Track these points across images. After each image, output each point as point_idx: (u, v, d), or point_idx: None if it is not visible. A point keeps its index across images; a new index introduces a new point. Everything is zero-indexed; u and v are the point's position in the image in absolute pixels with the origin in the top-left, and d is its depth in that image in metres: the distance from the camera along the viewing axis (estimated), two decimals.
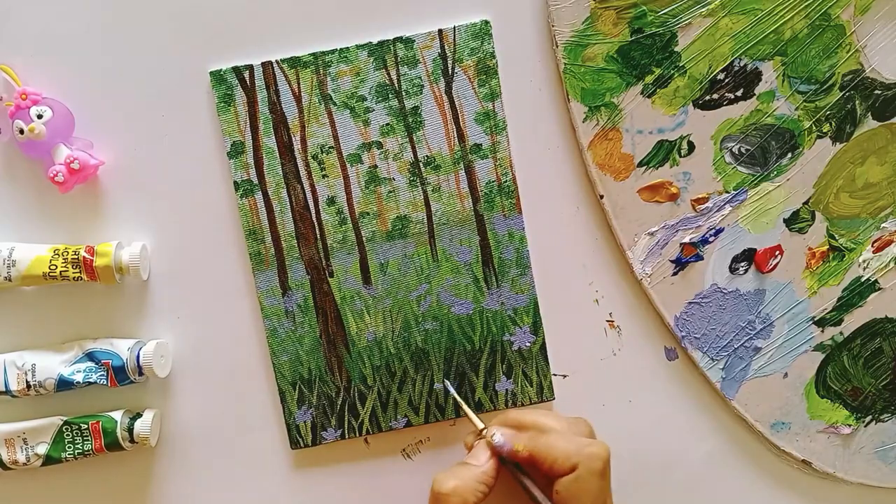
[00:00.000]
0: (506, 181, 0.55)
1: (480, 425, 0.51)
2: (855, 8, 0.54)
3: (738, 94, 0.55)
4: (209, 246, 0.56)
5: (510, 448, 0.48)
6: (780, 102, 0.55)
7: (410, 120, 0.55)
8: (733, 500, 0.59)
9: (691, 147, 0.55)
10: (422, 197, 0.55)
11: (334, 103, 0.54)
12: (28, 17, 0.53)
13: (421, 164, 0.55)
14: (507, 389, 0.57)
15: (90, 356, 0.54)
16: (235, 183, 0.55)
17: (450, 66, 0.54)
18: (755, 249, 0.56)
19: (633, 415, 0.58)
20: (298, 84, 0.54)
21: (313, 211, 0.55)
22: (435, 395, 0.57)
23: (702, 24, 0.54)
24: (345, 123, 0.55)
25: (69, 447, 0.54)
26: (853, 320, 0.58)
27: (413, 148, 0.55)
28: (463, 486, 0.47)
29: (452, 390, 0.55)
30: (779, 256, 0.57)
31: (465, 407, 0.53)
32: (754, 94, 0.55)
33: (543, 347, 0.57)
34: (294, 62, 0.54)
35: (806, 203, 0.56)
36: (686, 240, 0.56)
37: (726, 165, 0.55)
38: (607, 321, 0.57)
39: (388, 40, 0.54)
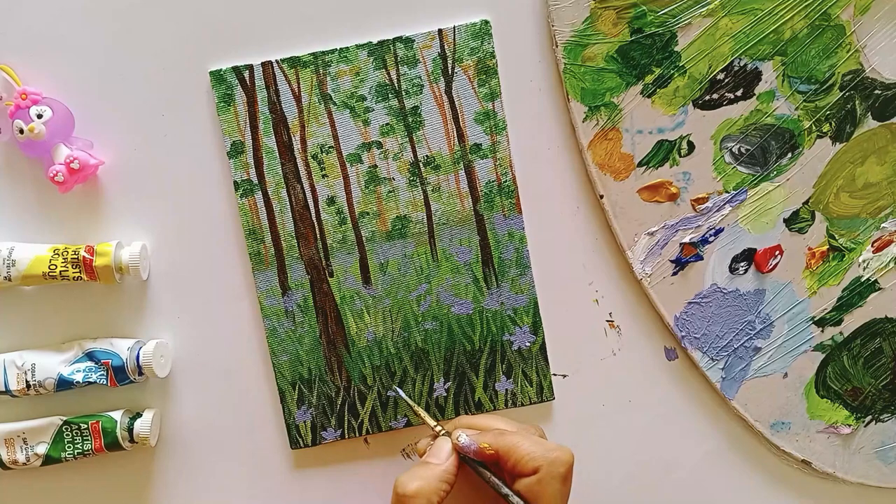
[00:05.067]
0: (506, 181, 0.55)
1: (437, 426, 0.51)
2: (855, 8, 0.54)
3: (738, 94, 0.55)
4: (209, 246, 0.56)
5: (476, 448, 0.48)
6: (780, 102, 0.55)
7: (410, 120, 0.55)
8: (733, 500, 0.59)
9: (691, 147, 0.55)
10: (422, 197, 0.55)
11: (334, 103, 0.54)
12: (28, 17, 0.53)
13: (421, 164, 0.55)
14: (506, 389, 0.57)
15: (90, 356, 0.54)
16: (235, 183, 0.55)
17: (450, 65, 0.54)
18: (755, 249, 0.56)
19: (633, 415, 0.58)
20: (298, 84, 0.54)
21: (313, 211, 0.55)
22: (435, 396, 0.57)
23: (702, 24, 0.54)
24: (345, 123, 0.55)
25: (69, 447, 0.54)
26: (853, 320, 0.58)
27: (413, 148, 0.55)
28: (426, 487, 0.46)
29: (403, 395, 0.55)
30: (779, 256, 0.57)
31: (419, 410, 0.53)
32: (754, 94, 0.55)
33: (543, 347, 0.57)
34: (294, 62, 0.54)
35: (806, 203, 0.56)
36: (686, 240, 0.56)
37: (726, 165, 0.55)
38: (607, 321, 0.57)
39: (387, 40, 0.54)
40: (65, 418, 0.54)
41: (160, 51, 0.54)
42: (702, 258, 0.56)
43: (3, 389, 0.53)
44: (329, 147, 0.55)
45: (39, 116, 0.52)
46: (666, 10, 0.53)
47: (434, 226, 0.56)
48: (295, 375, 0.56)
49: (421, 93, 0.54)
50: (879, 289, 0.57)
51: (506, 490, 0.47)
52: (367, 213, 0.55)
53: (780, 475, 0.59)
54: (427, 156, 0.55)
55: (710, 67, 0.54)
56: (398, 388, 0.56)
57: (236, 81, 0.54)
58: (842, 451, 0.59)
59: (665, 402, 0.58)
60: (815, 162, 0.56)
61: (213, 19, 0.54)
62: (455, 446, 0.49)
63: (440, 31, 0.54)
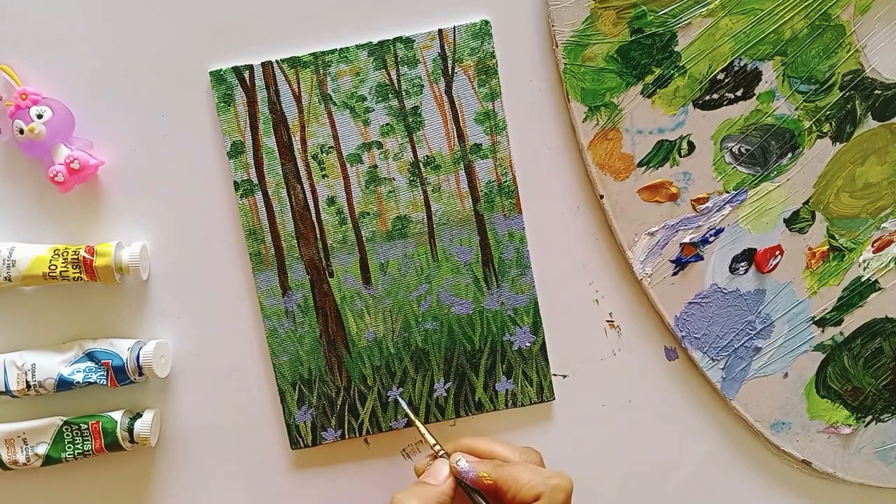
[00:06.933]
0: (506, 181, 0.55)
1: (436, 445, 0.51)
2: (855, 8, 0.54)
3: (738, 94, 0.55)
4: (209, 246, 0.56)
5: (475, 475, 0.48)
6: (780, 102, 0.55)
7: (410, 120, 0.55)
8: (733, 500, 0.59)
9: (691, 147, 0.55)
10: (422, 197, 0.55)
11: (334, 103, 0.54)
12: (28, 17, 0.53)
13: (421, 164, 0.55)
14: (507, 389, 0.57)
15: (90, 356, 0.54)
16: (235, 183, 0.55)
17: (450, 65, 0.54)
18: (755, 249, 0.56)
19: (633, 415, 0.58)
20: (298, 84, 0.54)
21: (313, 211, 0.55)
22: (435, 396, 0.57)
23: (702, 24, 0.54)
24: (345, 123, 0.55)
25: (69, 447, 0.54)
26: (853, 320, 0.58)
27: (413, 148, 0.55)
28: None
29: (407, 408, 0.55)
30: (779, 256, 0.57)
31: (421, 428, 0.53)
32: (754, 94, 0.55)
33: (543, 347, 0.57)
34: (294, 62, 0.54)
35: (806, 203, 0.56)
36: (686, 240, 0.56)
37: (726, 165, 0.55)
38: (607, 321, 0.57)
39: (388, 40, 0.54)
40: (65, 418, 0.54)
41: (160, 51, 0.54)
42: (702, 258, 0.56)
43: (4, 390, 0.53)
44: (329, 147, 0.55)
45: (39, 116, 0.52)
46: (666, 10, 0.53)
47: (434, 226, 0.56)
48: (295, 375, 0.56)
49: (421, 93, 0.54)
50: (879, 289, 0.57)
51: None
52: (368, 214, 0.55)
53: (780, 475, 0.59)
54: (427, 156, 0.55)
55: (710, 67, 0.54)
56: (402, 400, 0.56)
57: (236, 81, 0.54)
58: (842, 452, 0.59)
59: (665, 402, 0.58)
60: (816, 162, 0.56)
61: (213, 19, 0.54)
62: (453, 470, 0.49)
63: (440, 31, 0.54)
